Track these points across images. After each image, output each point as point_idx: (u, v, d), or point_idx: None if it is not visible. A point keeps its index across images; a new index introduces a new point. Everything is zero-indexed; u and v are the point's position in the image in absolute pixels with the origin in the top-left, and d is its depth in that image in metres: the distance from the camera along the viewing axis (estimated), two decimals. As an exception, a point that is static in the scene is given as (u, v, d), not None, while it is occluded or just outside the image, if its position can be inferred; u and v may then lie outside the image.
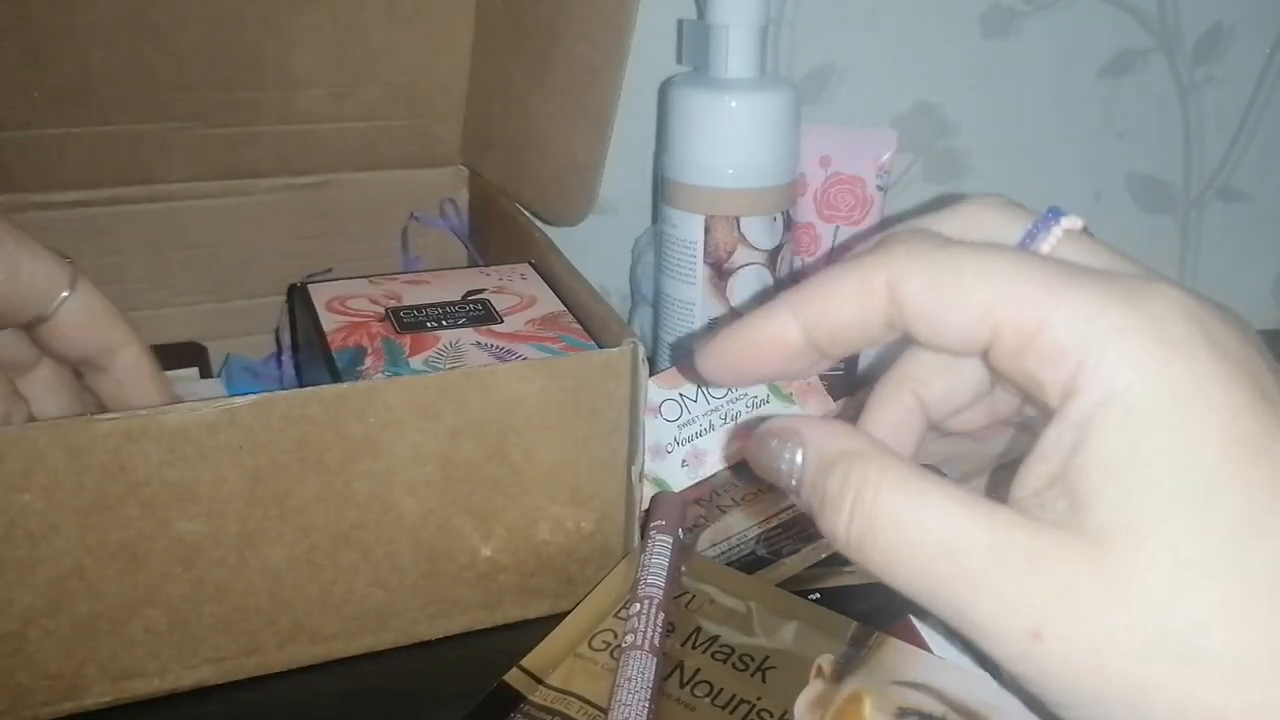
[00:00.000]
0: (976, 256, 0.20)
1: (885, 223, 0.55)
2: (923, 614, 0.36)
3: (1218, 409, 0.18)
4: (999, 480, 0.22)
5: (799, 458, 0.22)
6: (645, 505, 0.40)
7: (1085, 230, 0.22)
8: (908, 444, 0.25)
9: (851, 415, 0.49)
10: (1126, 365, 0.18)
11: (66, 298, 0.33)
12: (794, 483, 0.22)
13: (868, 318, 0.21)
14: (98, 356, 0.35)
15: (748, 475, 0.46)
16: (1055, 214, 0.22)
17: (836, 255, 0.54)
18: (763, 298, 0.49)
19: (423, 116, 0.56)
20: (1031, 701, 0.19)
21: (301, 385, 0.49)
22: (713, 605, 0.37)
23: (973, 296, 0.20)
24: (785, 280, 0.51)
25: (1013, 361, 0.20)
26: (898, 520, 0.20)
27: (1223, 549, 0.17)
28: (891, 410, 0.25)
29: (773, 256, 0.49)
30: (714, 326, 0.50)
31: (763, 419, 0.24)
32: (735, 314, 0.50)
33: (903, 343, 0.23)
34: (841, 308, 0.22)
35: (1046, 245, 0.22)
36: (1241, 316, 0.20)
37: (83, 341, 0.34)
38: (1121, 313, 0.18)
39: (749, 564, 0.41)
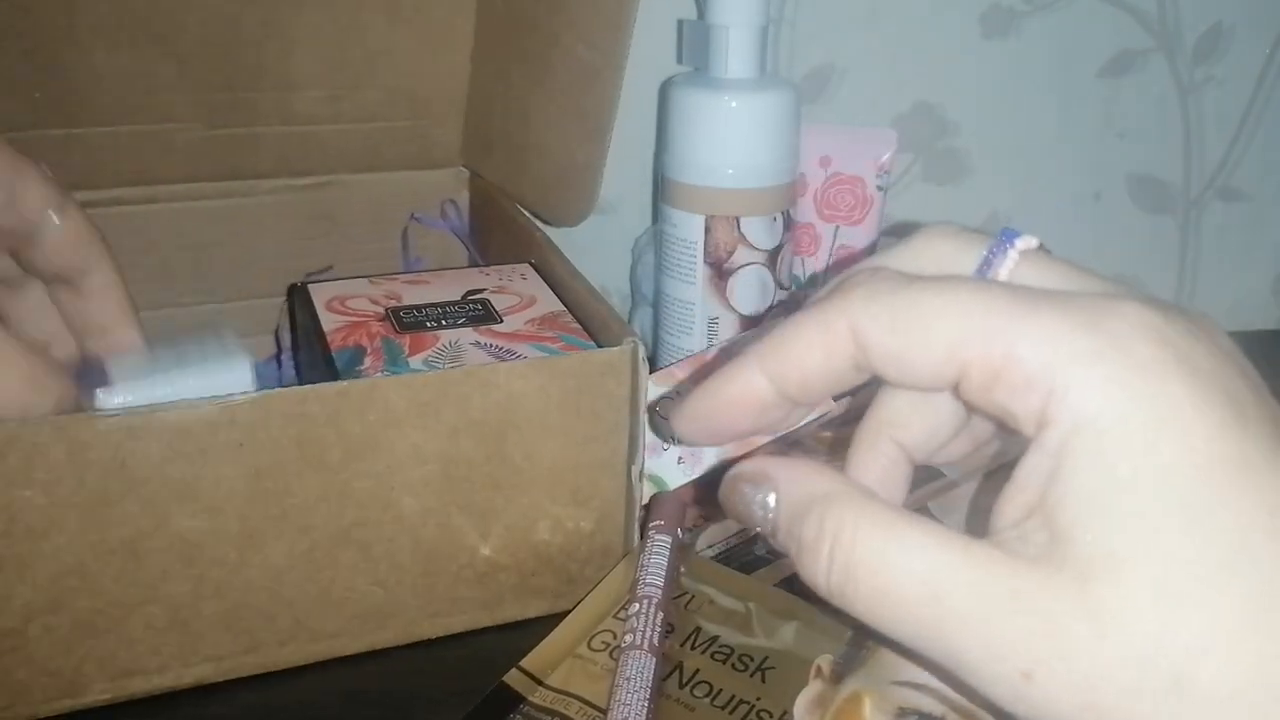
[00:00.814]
0: (935, 292, 0.20)
1: (893, 228, 0.55)
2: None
3: (1192, 431, 0.17)
4: (992, 485, 0.22)
5: (772, 501, 0.21)
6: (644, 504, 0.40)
7: (1042, 248, 0.22)
8: (896, 494, 0.24)
9: (854, 415, 0.49)
10: (1095, 392, 0.18)
11: (57, 223, 0.35)
12: (770, 528, 0.22)
13: (835, 365, 0.21)
14: (74, 276, 0.36)
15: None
16: (1009, 236, 0.22)
17: (836, 260, 0.54)
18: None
19: (423, 118, 0.56)
20: None
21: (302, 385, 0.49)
22: (712, 605, 0.37)
23: (936, 335, 0.19)
24: (784, 282, 0.51)
25: (983, 396, 0.19)
26: (877, 565, 0.19)
27: (1207, 576, 0.17)
28: (875, 462, 0.24)
29: (773, 256, 0.49)
30: (715, 328, 0.50)
31: (734, 461, 0.23)
32: (744, 324, 0.50)
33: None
34: (807, 357, 0.21)
35: (1004, 270, 0.21)
36: (1214, 323, 0.19)
37: (63, 260, 0.36)
38: (1087, 338, 0.18)
39: (748, 564, 0.41)
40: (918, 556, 0.19)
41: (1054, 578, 0.18)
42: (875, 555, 0.19)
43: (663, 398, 0.31)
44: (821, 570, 0.20)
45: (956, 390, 0.20)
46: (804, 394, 0.22)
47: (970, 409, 0.22)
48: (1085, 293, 0.20)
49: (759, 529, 0.22)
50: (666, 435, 0.32)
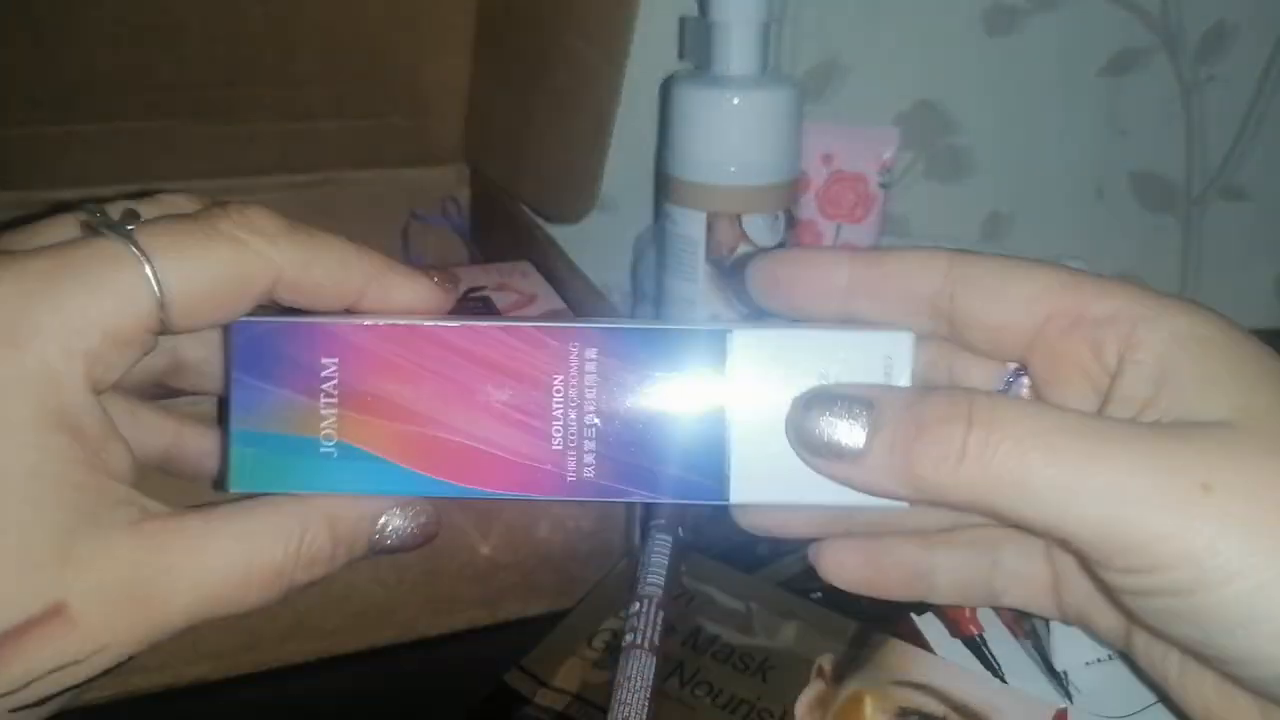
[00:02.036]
0: (1027, 261, 0.22)
1: (886, 219, 0.55)
2: (923, 613, 0.36)
3: (1263, 343, 0.20)
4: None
5: (867, 416, 0.20)
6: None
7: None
8: None
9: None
10: (1182, 317, 0.20)
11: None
12: (863, 433, 0.20)
13: (915, 287, 0.22)
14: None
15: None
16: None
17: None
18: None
19: (423, 115, 0.56)
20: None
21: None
22: (712, 605, 0.36)
23: (1032, 279, 0.22)
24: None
25: (1065, 330, 0.21)
26: (1028, 418, 0.19)
27: None
28: None
29: (774, 255, 0.49)
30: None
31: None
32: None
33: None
34: (895, 268, 0.23)
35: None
36: None
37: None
38: (1157, 293, 0.21)
39: (749, 564, 0.40)
40: (1071, 413, 0.20)
41: (1207, 427, 0.19)
42: (1021, 411, 0.20)
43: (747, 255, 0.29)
44: (959, 434, 0.19)
45: (1035, 334, 0.22)
46: (871, 299, 0.23)
47: (1036, 348, 0.22)
48: None
49: (842, 446, 0.20)
50: (737, 291, 0.29)
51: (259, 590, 0.21)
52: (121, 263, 0.20)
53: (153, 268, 0.20)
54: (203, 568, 0.21)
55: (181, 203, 0.23)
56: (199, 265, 0.20)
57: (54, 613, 0.19)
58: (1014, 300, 0.22)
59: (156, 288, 0.20)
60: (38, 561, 0.19)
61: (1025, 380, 0.23)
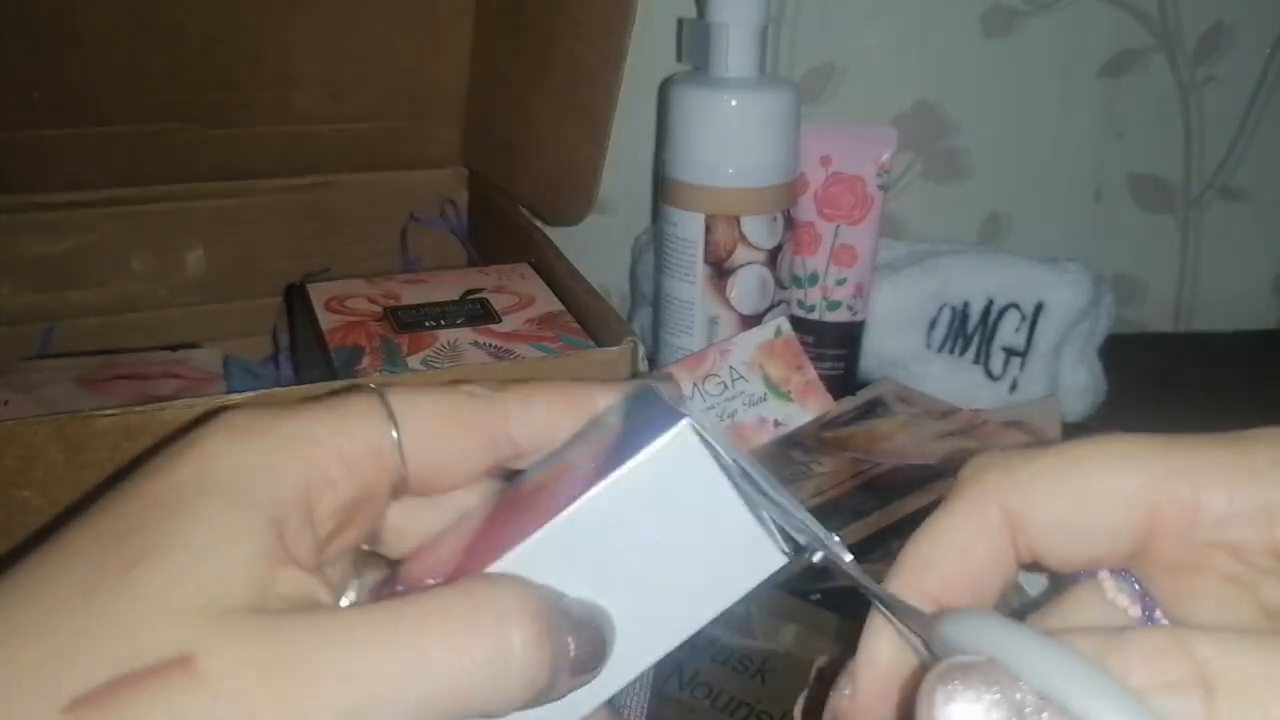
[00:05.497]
0: (1086, 447, 0.18)
1: (884, 219, 0.55)
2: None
3: None
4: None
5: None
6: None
7: None
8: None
9: (854, 416, 0.49)
10: None
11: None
12: None
13: (999, 559, 0.19)
14: None
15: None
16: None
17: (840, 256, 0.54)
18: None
19: (422, 117, 0.56)
20: None
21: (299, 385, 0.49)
22: (712, 605, 0.36)
23: (1108, 487, 0.18)
24: (784, 281, 0.51)
25: (1180, 536, 0.18)
26: None
27: None
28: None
29: (773, 256, 0.49)
30: (714, 328, 0.50)
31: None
32: (744, 324, 0.50)
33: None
34: (968, 564, 0.19)
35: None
36: None
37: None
38: (1260, 456, 0.17)
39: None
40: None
41: None
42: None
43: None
44: None
45: (1144, 544, 0.18)
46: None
47: (1147, 561, 0.19)
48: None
49: None
50: None
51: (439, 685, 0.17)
52: (365, 399, 0.21)
53: (387, 402, 0.21)
54: (357, 657, 0.17)
55: None
56: (431, 402, 0.21)
57: (180, 663, 0.16)
58: (1110, 519, 0.18)
59: (390, 416, 0.21)
60: (186, 613, 0.16)
61: (1136, 586, 0.19)
